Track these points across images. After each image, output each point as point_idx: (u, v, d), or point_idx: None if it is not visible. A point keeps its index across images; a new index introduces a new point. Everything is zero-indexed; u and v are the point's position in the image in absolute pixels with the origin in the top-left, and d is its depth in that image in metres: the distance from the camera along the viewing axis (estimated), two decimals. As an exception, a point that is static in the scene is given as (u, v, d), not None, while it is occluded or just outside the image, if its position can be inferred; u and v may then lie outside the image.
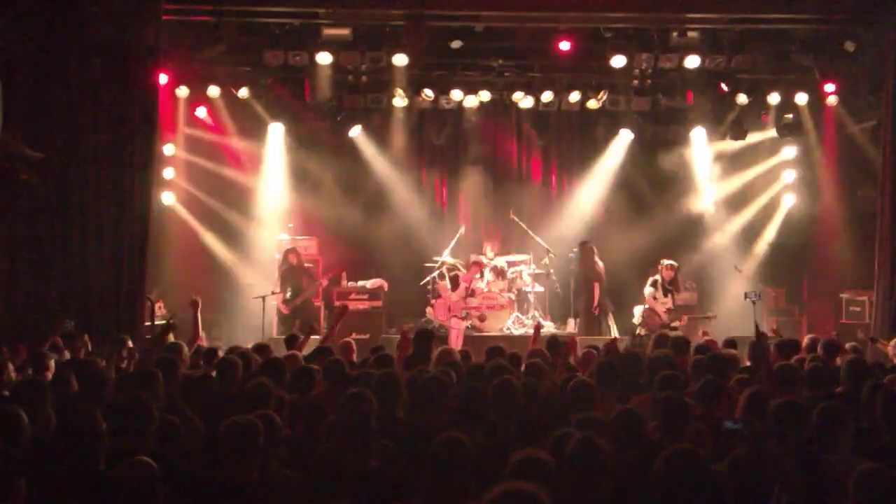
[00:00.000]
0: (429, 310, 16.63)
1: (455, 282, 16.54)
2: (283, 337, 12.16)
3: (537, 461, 4.71)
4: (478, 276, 16.39)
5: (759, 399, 6.31)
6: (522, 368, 8.42)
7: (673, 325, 14.81)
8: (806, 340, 10.37)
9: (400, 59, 15.19)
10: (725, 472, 4.75)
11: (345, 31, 15.00)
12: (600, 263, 16.50)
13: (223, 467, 5.35)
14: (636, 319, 15.07)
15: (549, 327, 15.95)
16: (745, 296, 13.14)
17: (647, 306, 15.20)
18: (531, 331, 13.33)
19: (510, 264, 17.12)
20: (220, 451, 5.42)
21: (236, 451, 5.33)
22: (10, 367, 8.90)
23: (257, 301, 15.39)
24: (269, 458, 5.55)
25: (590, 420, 6.11)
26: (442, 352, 9.34)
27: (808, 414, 5.78)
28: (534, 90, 16.96)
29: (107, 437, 5.34)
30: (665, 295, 14.83)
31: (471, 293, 16.20)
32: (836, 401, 6.52)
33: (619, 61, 15.31)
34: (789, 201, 18.17)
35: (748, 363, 9.28)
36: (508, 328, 16.35)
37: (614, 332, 15.86)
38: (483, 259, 16.86)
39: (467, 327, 15.90)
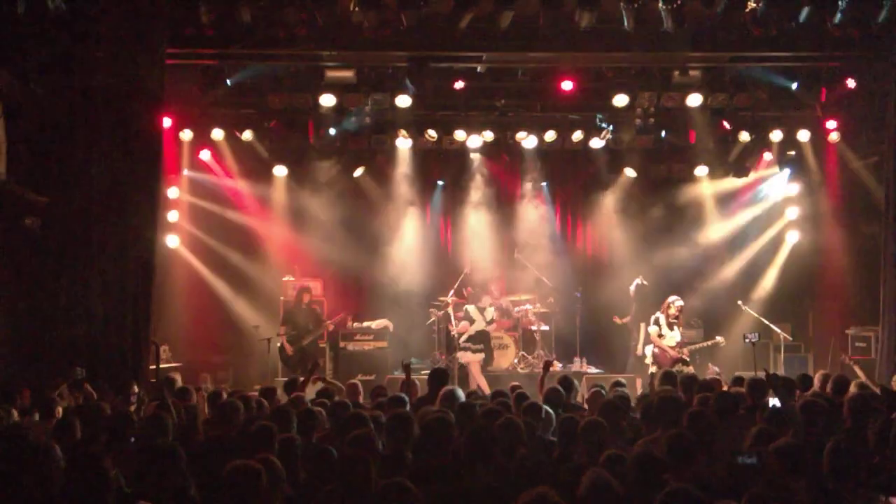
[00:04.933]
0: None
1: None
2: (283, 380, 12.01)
3: (547, 501, 4.65)
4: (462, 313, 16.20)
5: (765, 437, 6.28)
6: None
7: (685, 357, 14.72)
8: (817, 378, 10.33)
9: (403, 101, 15.27)
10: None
11: (348, 74, 15.12)
12: None
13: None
14: (648, 360, 14.99)
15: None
16: (744, 337, 13.21)
17: (654, 347, 15.08)
18: (537, 370, 13.24)
19: (515, 304, 17.09)
20: (222, 495, 5.36)
21: (239, 494, 5.28)
22: (14, 412, 8.86)
23: (263, 343, 15.37)
24: (274, 500, 5.50)
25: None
26: (470, 393, 9.24)
27: (816, 450, 5.76)
28: (537, 129, 17.02)
29: (115, 482, 5.30)
30: (671, 329, 14.76)
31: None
32: (843, 437, 6.48)
33: (621, 100, 15.40)
34: (793, 238, 18.17)
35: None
36: (514, 367, 16.28)
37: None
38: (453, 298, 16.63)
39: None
